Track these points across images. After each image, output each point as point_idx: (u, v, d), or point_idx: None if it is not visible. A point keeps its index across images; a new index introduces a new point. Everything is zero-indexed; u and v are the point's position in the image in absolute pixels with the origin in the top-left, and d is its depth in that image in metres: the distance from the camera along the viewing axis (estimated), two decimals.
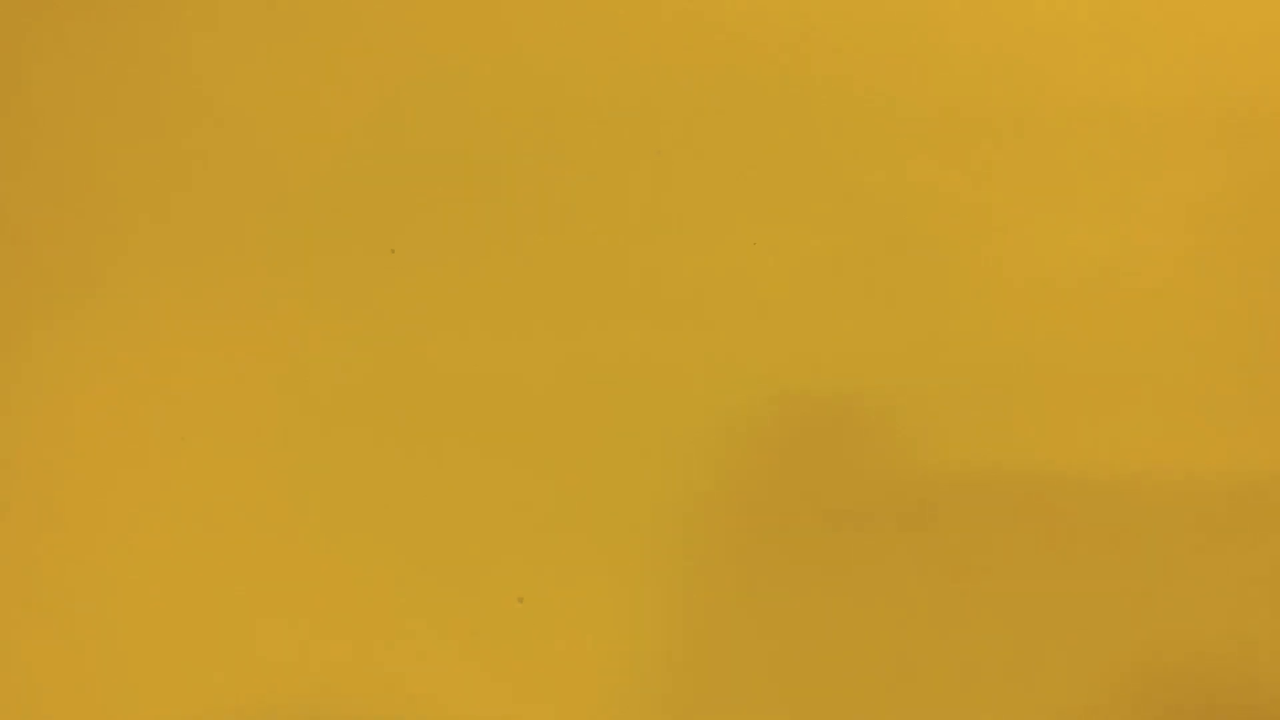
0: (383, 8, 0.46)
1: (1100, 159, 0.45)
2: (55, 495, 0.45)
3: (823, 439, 0.44)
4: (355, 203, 0.46)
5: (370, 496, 0.45)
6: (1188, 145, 0.44)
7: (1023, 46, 0.45)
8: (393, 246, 0.45)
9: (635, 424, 0.45)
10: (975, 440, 0.44)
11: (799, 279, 0.44)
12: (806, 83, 0.45)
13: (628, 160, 0.45)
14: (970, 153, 0.45)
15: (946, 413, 0.44)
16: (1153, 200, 0.44)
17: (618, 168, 0.46)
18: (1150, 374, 0.44)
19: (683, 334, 0.45)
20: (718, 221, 0.45)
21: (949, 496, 0.44)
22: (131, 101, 0.46)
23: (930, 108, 0.45)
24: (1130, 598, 0.44)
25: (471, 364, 0.45)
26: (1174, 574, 0.44)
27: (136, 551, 0.45)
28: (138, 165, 0.46)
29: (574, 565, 0.45)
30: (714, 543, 0.44)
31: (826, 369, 0.44)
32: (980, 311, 0.44)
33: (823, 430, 0.44)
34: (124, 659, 0.45)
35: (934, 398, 0.44)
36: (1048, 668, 0.43)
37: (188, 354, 0.46)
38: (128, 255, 0.46)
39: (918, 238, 0.44)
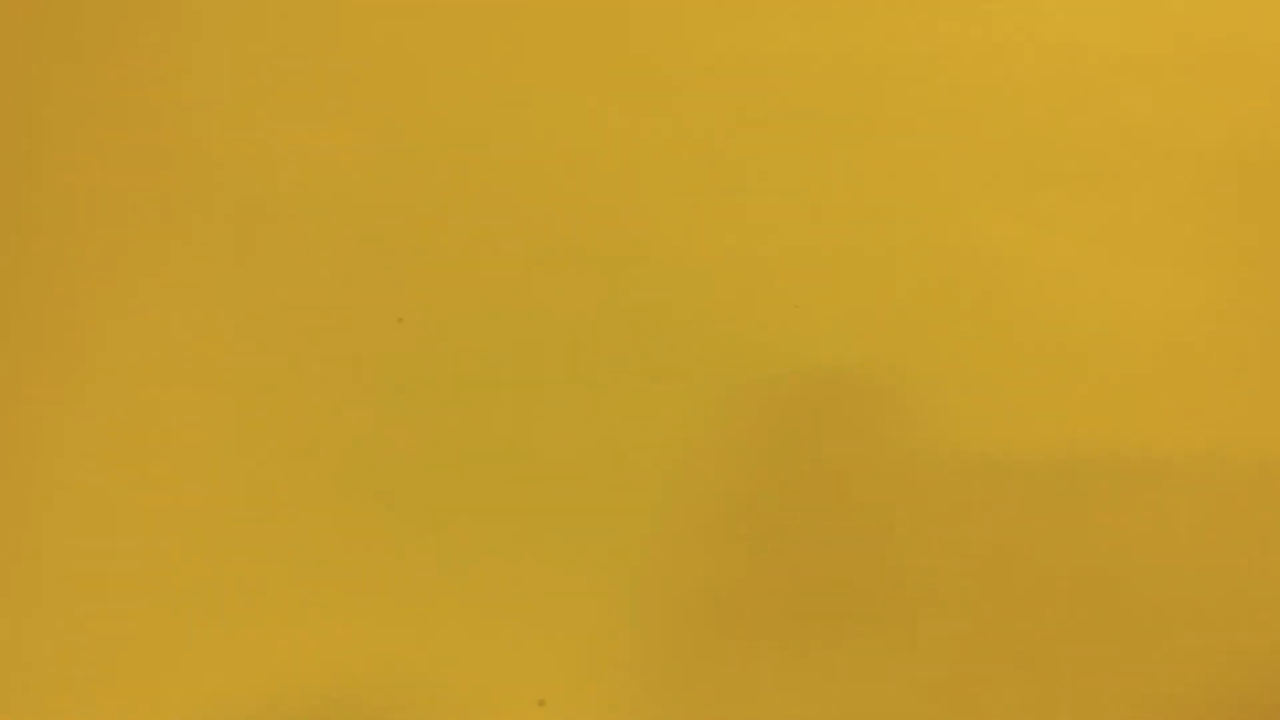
0: (389, 65, 0.45)
1: (1165, 205, 0.44)
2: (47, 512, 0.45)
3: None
4: (361, 269, 0.45)
5: (377, 589, 0.44)
6: (1251, 194, 0.45)
7: (1082, 93, 0.45)
8: (400, 315, 0.45)
9: (659, 508, 0.44)
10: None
11: (851, 334, 0.45)
12: (865, 129, 0.46)
13: (644, 222, 0.45)
14: (1030, 200, 0.45)
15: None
16: (1208, 248, 0.44)
17: (632, 231, 0.45)
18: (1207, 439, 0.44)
19: (706, 415, 0.44)
20: (759, 282, 0.45)
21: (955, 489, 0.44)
22: (132, 155, 0.45)
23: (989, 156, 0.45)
24: (1142, 584, 0.43)
25: (486, 441, 0.44)
26: (1192, 560, 0.43)
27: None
28: (133, 223, 0.45)
29: (597, 667, 0.43)
30: (739, 636, 0.44)
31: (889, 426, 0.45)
32: (1036, 353, 0.44)
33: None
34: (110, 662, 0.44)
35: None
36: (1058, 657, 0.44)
37: (187, 430, 0.44)
38: (124, 321, 0.45)
39: (971, 284, 0.45)
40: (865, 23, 0.45)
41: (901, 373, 0.44)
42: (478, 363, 0.45)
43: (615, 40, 0.46)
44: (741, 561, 0.44)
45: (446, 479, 0.45)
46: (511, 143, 0.45)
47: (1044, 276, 0.44)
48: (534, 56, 0.46)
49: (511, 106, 0.45)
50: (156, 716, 0.44)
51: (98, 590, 0.44)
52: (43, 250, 0.45)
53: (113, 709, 0.44)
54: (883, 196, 0.45)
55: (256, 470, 0.45)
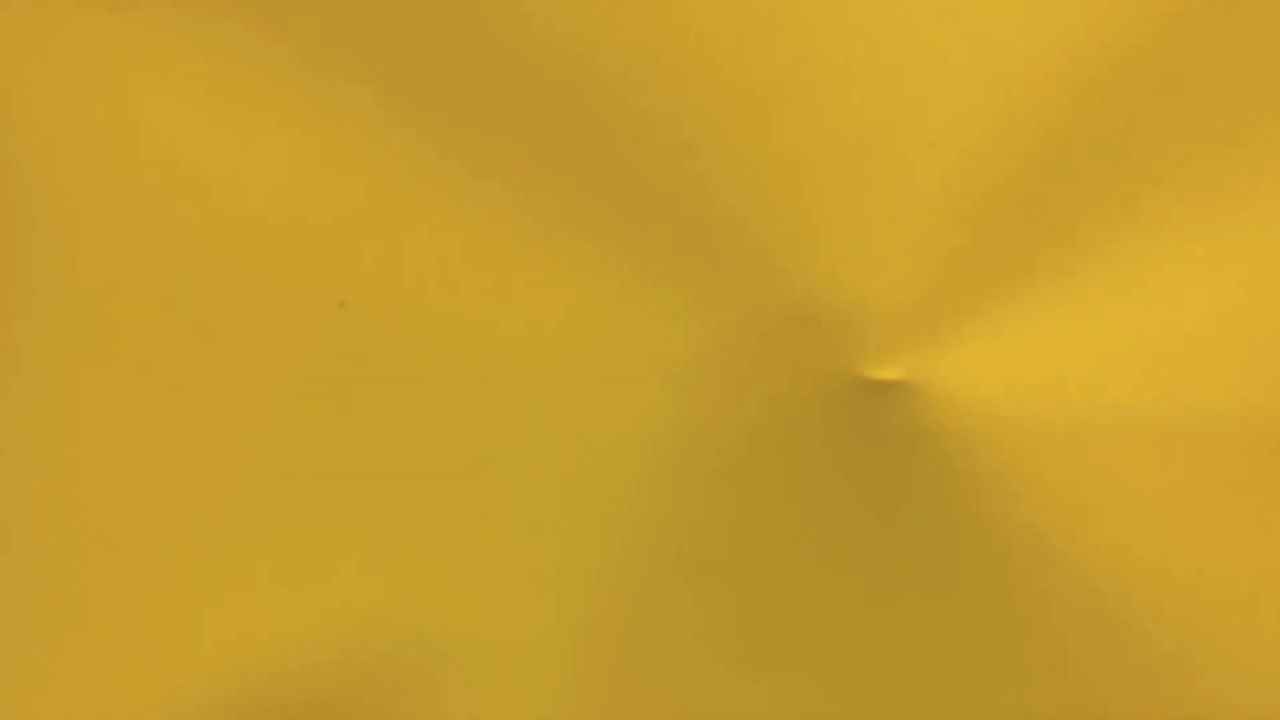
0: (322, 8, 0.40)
1: None
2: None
3: None
4: (299, 245, 0.40)
5: (320, 603, 0.40)
6: None
7: None
8: (342, 299, 0.40)
9: (635, 514, 0.40)
10: None
11: None
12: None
13: (632, 176, 0.40)
14: None
15: None
16: None
17: (619, 187, 0.39)
18: None
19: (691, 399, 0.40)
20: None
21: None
22: (45, 123, 0.40)
23: None
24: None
25: (443, 436, 0.40)
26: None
27: None
28: (48, 197, 0.40)
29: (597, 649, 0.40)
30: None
31: None
32: None
33: None
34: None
35: None
36: None
37: (110, 423, 0.40)
38: (44, 304, 0.40)
39: None
40: None
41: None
42: (431, 351, 0.40)
43: None
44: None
45: (399, 483, 0.40)
46: (475, 89, 0.40)
47: None
48: None
49: (471, 49, 0.40)
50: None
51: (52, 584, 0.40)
52: None
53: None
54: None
55: (187, 470, 0.40)
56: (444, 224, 0.40)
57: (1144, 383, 0.39)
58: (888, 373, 0.39)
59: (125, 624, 0.40)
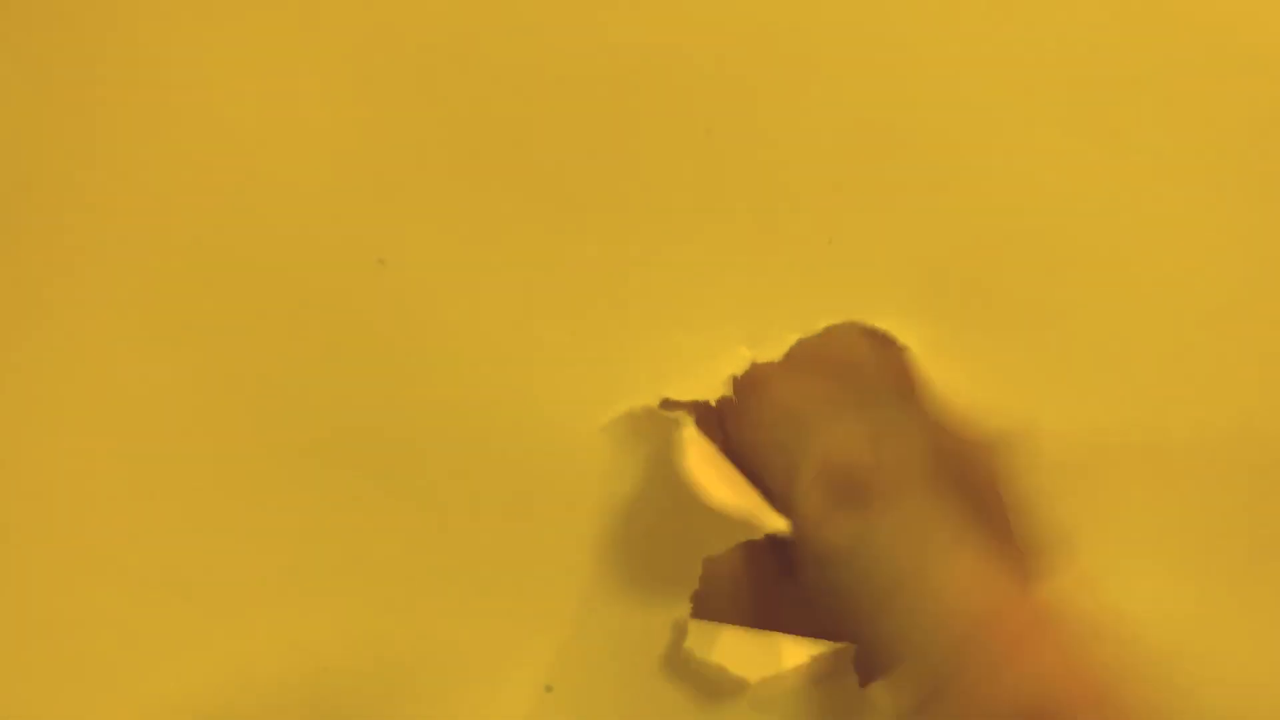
0: None
1: None
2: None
3: None
4: (339, 203, 0.40)
5: (368, 567, 0.40)
6: None
7: None
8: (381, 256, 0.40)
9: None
10: None
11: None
12: None
13: (640, 155, 0.40)
14: None
15: None
16: None
17: (628, 164, 0.40)
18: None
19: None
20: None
21: None
22: (85, 82, 0.40)
23: None
24: None
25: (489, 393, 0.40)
26: None
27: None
28: (89, 157, 0.40)
29: (603, 651, 0.40)
30: None
31: None
32: None
33: None
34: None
35: None
36: None
37: (155, 377, 0.40)
38: (91, 265, 0.40)
39: None
40: None
41: None
42: (467, 309, 0.40)
43: None
44: None
45: (439, 442, 0.40)
46: (507, 56, 0.40)
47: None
48: None
49: (507, 16, 0.40)
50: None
51: (63, 571, 0.41)
52: None
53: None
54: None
55: (228, 436, 0.40)
56: (479, 193, 0.40)
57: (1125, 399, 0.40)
58: None
59: (132, 620, 0.40)
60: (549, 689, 0.41)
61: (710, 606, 0.40)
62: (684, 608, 0.40)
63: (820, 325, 0.40)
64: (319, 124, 0.40)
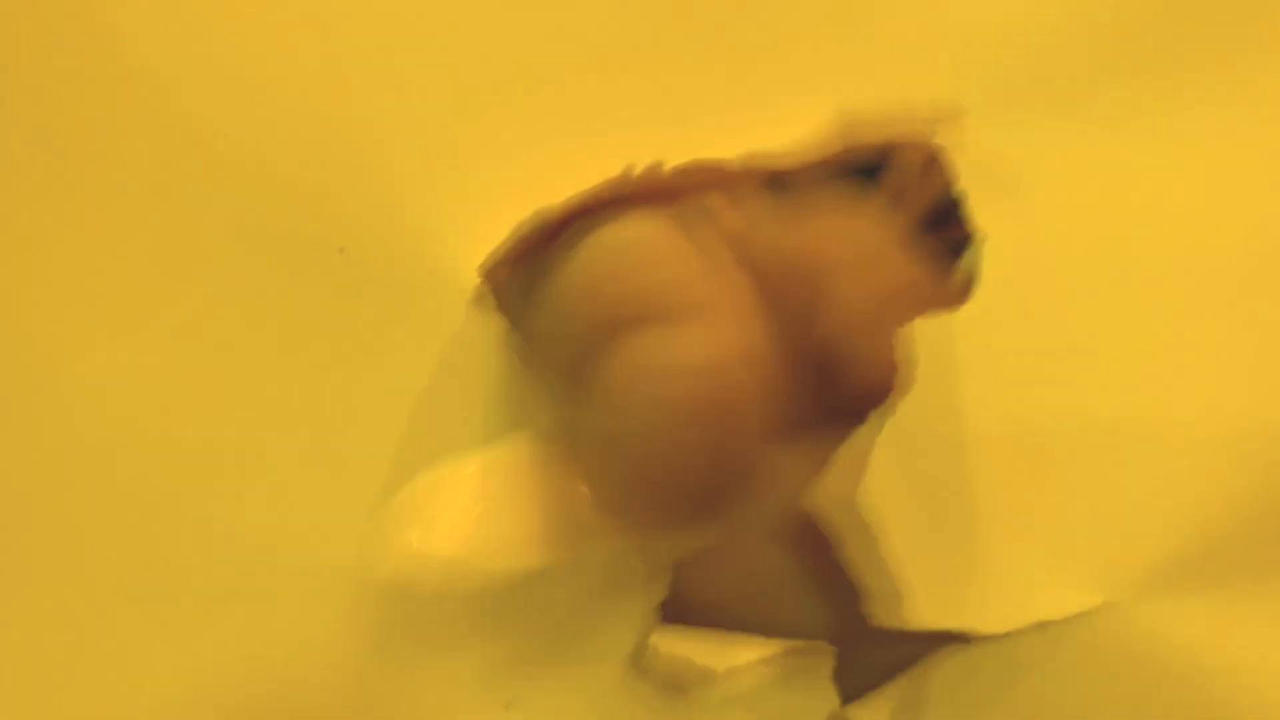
0: None
1: None
2: None
3: None
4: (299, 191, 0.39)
5: (331, 574, 0.38)
6: None
7: None
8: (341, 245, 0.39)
9: None
10: None
11: None
12: None
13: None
14: None
15: None
16: None
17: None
18: None
19: None
20: None
21: None
22: (52, 68, 0.39)
23: None
24: None
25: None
26: None
27: None
28: (48, 145, 0.39)
29: (563, 670, 0.39)
30: None
31: None
32: None
33: None
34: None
35: None
36: None
37: (108, 380, 0.39)
38: (37, 260, 0.39)
39: None
40: None
41: None
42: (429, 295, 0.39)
43: None
44: None
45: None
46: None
47: None
48: None
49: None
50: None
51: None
52: None
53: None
54: None
55: (186, 427, 0.39)
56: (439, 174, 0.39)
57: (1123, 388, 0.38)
58: None
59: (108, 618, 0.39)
60: (508, 707, 0.39)
61: (681, 612, 0.38)
62: (649, 616, 0.38)
63: None
64: (282, 118, 0.39)
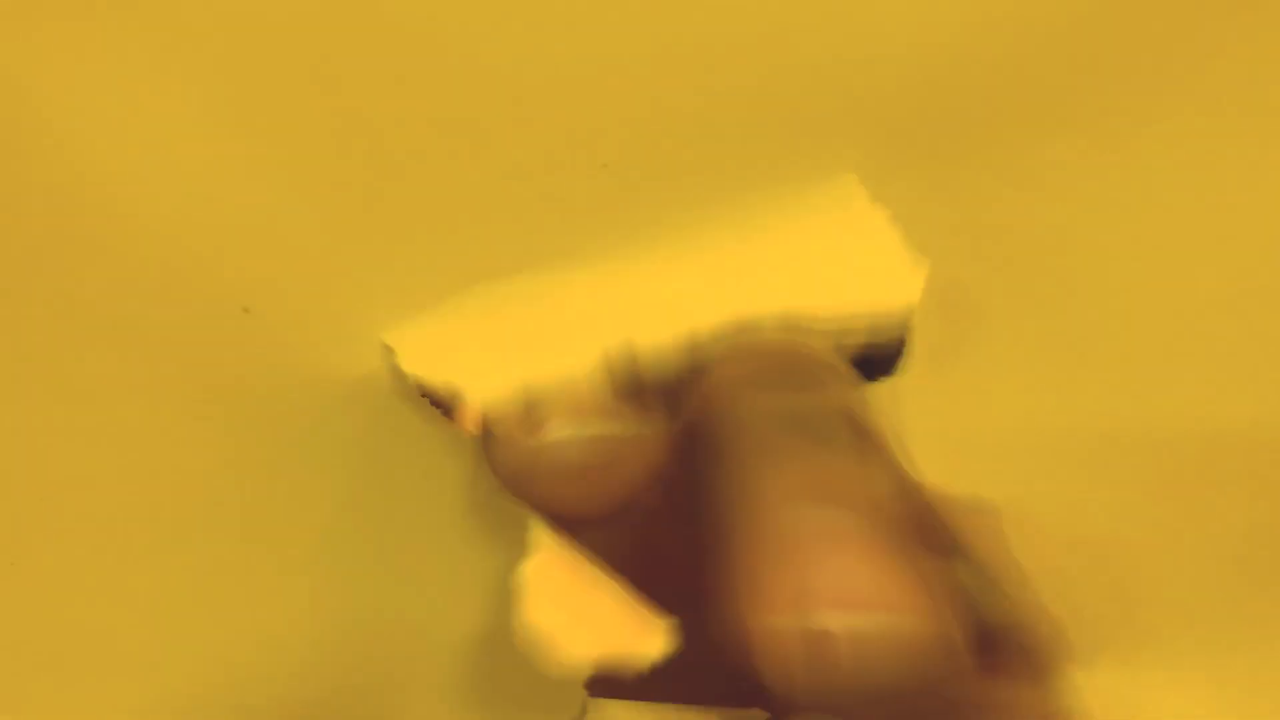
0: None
1: None
2: None
3: None
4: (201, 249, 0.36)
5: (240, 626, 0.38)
6: None
7: None
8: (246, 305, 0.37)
9: None
10: None
11: None
12: None
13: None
14: None
15: None
16: None
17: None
18: None
19: None
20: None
21: None
22: None
23: None
24: None
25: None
26: None
27: None
28: None
29: None
30: None
31: None
32: None
33: None
34: None
35: None
36: None
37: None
38: None
39: None
40: None
41: None
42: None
43: None
44: None
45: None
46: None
47: None
48: None
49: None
50: None
51: None
52: None
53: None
54: None
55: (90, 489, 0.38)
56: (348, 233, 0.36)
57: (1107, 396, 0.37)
58: None
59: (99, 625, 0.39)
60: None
61: (610, 684, 0.37)
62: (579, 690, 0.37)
63: None
64: (186, 172, 0.36)
